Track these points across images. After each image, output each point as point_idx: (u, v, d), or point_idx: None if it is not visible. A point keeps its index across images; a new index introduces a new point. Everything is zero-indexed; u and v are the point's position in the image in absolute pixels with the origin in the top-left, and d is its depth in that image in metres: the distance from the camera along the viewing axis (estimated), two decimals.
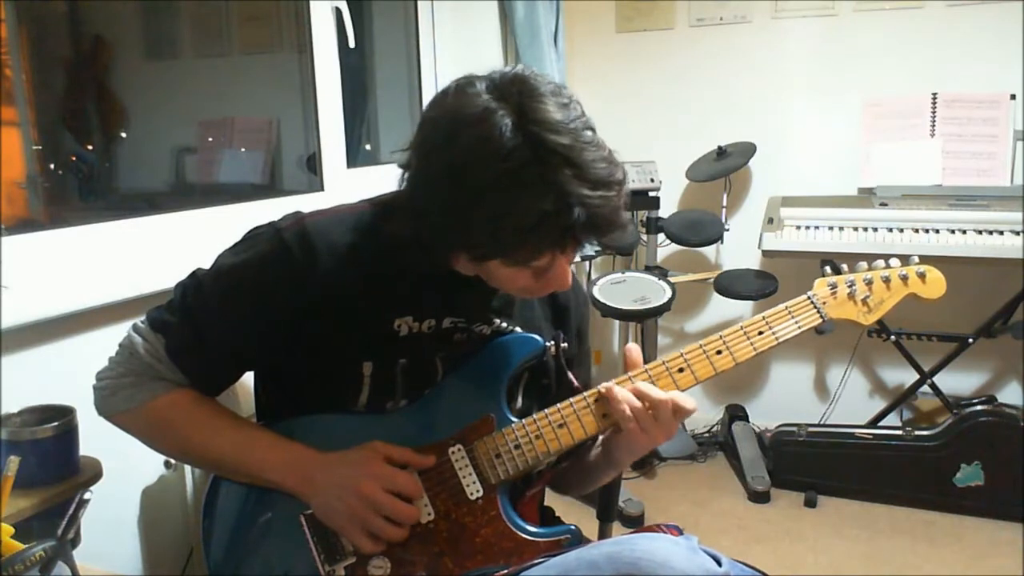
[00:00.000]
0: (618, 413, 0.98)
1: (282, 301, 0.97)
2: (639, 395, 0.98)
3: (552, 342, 1.08)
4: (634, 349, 1.04)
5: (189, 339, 1.00)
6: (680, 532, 1.01)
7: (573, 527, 1.01)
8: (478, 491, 0.99)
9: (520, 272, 0.92)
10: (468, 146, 0.85)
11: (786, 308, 1.05)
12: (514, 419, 1.01)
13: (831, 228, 2.53)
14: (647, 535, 0.92)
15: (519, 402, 1.09)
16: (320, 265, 0.97)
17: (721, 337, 1.03)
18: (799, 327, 1.04)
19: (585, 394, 1.01)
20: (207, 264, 1.03)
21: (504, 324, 1.07)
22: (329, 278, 0.97)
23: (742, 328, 1.03)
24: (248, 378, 1.12)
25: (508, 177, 0.84)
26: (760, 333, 1.03)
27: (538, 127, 0.84)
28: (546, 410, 1.01)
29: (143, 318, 1.03)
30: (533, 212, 0.84)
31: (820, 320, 1.05)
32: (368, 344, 1.00)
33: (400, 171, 0.95)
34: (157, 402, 1.01)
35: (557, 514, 1.23)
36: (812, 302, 1.06)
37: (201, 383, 1.03)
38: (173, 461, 1.45)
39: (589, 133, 0.87)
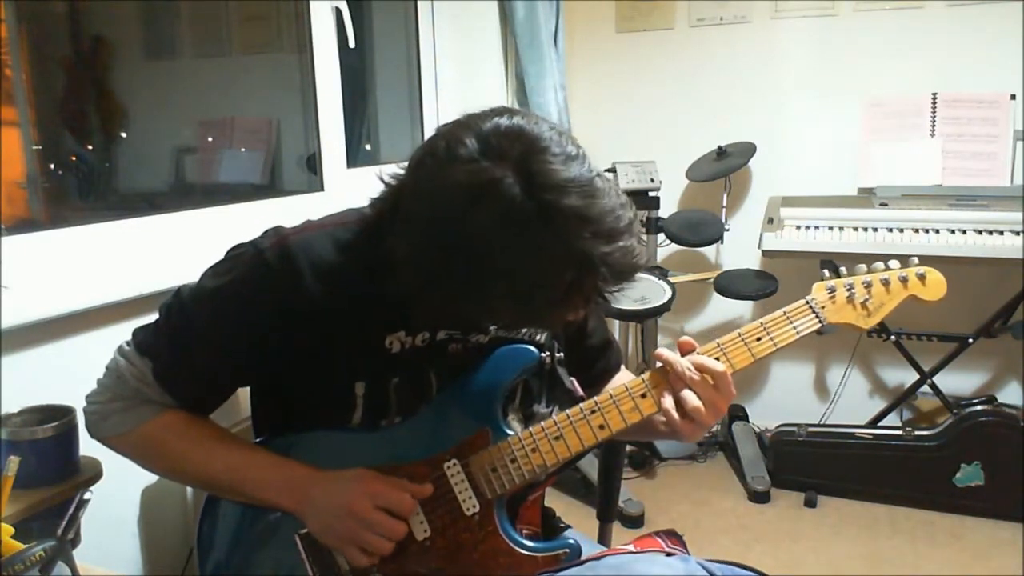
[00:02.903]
0: (679, 394, 0.97)
1: (267, 323, 0.96)
2: (700, 368, 0.97)
3: (547, 353, 1.07)
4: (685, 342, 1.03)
5: (175, 362, 0.99)
6: (680, 540, 1.00)
7: (572, 541, 1.00)
8: (474, 506, 0.98)
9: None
10: (482, 227, 0.80)
11: (784, 314, 1.04)
12: (510, 432, 1.00)
13: (831, 228, 2.53)
14: (645, 558, 0.91)
15: (515, 414, 1.08)
16: (304, 285, 0.94)
17: (719, 344, 1.01)
18: (798, 333, 1.03)
19: (581, 405, 1.00)
20: (197, 278, 1.02)
21: (502, 331, 1.05)
22: (314, 298, 0.95)
23: (740, 335, 1.02)
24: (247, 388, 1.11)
25: (530, 253, 0.80)
26: (758, 339, 1.02)
27: (549, 193, 0.79)
28: (542, 423, 1.00)
29: (128, 339, 1.02)
30: (561, 284, 0.82)
31: (819, 324, 1.04)
32: (359, 364, 0.99)
33: (373, 204, 0.94)
34: (148, 426, 1.00)
35: (558, 514, 1.23)
36: (811, 307, 1.04)
37: (190, 405, 1.02)
38: None
39: (597, 181, 0.83)
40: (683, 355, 1.00)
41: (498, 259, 0.81)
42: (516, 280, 0.82)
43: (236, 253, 1.00)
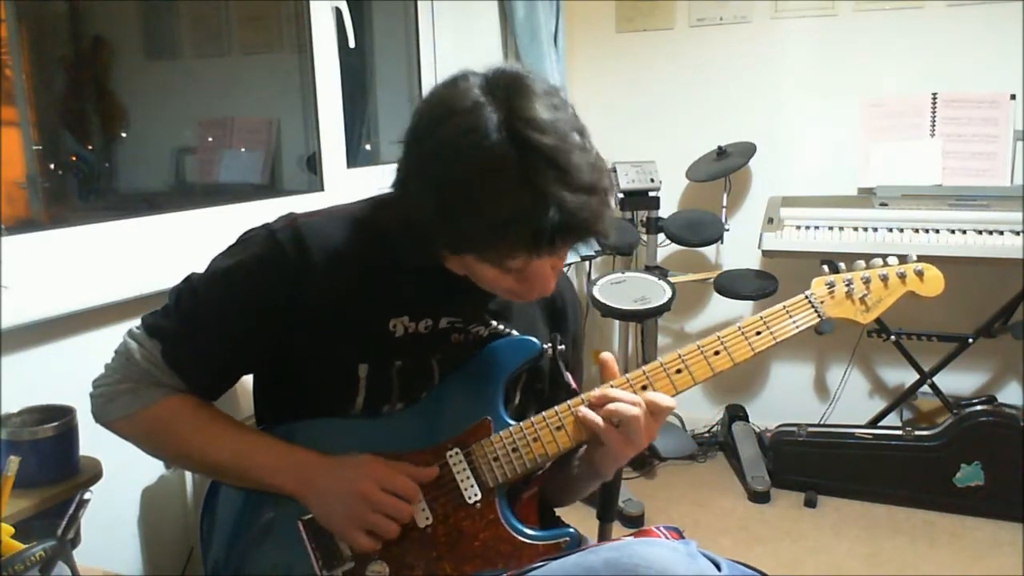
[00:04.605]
0: (595, 428, 0.97)
1: (276, 303, 0.97)
2: (611, 413, 0.96)
3: (549, 344, 1.08)
4: (609, 358, 1.03)
5: (185, 344, 0.99)
6: (680, 534, 1.01)
7: (572, 530, 1.01)
8: (476, 495, 0.99)
9: (499, 273, 0.91)
10: (452, 136, 0.85)
11: (784, 308, 1.05)
12: (511, 422, 1.01)
13: (831, 228, 2.53)
14: (646, 541, 0.92)
15: (516, 405, 1.09)
16: (314, 266, 0.96)
17: (719, 338, 1.02)
18: (797, 327, 1.04)
19: (582, 396, 1.01)
20: (205, 265, 1.03)
21: (501, 326, 1.07)
22: (323, 279, 0.97)
23: (740, 328, 1.03)
24: (248, 379, 1.12)
25: (487, 171, 0.83)
26: (758, 333, 1.03)
27: (524, 125, 0.83)
28: (543, 412, 1.01)
29: (138, 324, 1.03)
30: (506, 209, 0.83)
31: (818, 319, 1.05)
32: (363, 346, 1.00)
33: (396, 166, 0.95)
34: (155, 408, 1.00)
35: (557, 514, 1.23)
36: (810, 301, 1.06)
37: (199, 388, 1.03)
38: None
39: (576, 136, 0.86)
40: (605, 380, 1.02)
41: (457, 167, 0.84)
42: (467, 192, 0.84)
43: (248, 235, 1.02)
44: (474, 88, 0.86)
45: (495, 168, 0.83)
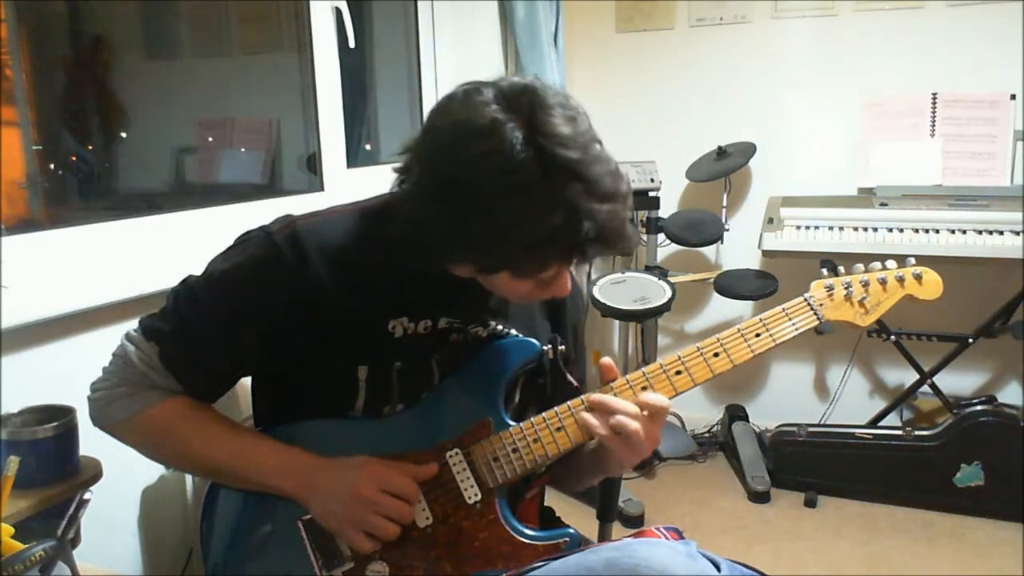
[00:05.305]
0: (598, 435, 0.97)
1: (274, 305, 0.97)
2: (612, 427, 0.96)
3: (549, 345, 1.08)
4: (609, 363, 1.02)
5: (183, 346, 0.99)
6: (680, 535, 1.01)
7: (572, 530, 1.01)
8: (476, 495, 0.99)
9: (523, 282, 0.92)
10: (476, 158, 0.83)
11: (783, 310, 1.05)
12: (512, 423, 1.01)
13: (831, 228, 2.53)
14: (646, 541, 0.92)
15: (516, 405, 1.09)
16: (311, 268, 0.97)
17: (718, 339, 1.03)
18: (796, 329, 1.04)
19: (583, 396, 1.01)
20: (205, 265, 1.03)
21: (500, 327, 1.07)
22: (321, 281, 0.97)
23: (739, 330, 1.03)
24: (247, 381, 1.12)
25: (517, 191, 0.83)
26: (757, 335, 1.03)
27: (548, 141, 0.83)
28: (544, 413, 1.01)
29: (136, 327, 1.03)
30: (542, 227, 0.83)
31: (817, 322, 1.06)
32: (362, 347, 1.00)
33: (396, 175, 0.94)
34: (153, 411, 1.00)
35: (557, 515, 1.23)
36: (809, 304, 1.06)
37: (196, 390, 1.03)
38: None
39: (597, 147, 0.87)
40: (606, 382, 1.01)
41: (485, 189, 0.84)
42: (498, 214, 0.84)
43: (245, 238, 1.02)
44: (491, 104, 0.85)
45: (524, 189, 0.83)
